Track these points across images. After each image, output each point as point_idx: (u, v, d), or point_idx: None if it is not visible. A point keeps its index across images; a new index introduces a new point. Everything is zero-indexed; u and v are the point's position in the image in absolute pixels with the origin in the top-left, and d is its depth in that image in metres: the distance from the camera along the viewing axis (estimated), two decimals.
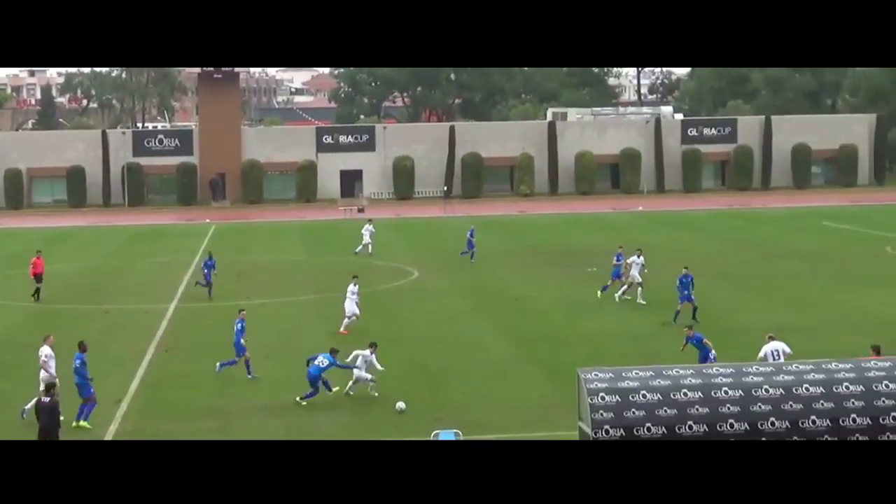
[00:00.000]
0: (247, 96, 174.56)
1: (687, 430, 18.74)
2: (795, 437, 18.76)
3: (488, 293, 48.01)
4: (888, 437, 18.94)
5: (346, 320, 39.25)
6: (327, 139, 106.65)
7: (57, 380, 26.83)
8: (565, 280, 50.99)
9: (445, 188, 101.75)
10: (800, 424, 18.93)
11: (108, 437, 26.90)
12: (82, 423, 27.56)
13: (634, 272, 44.20)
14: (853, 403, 19.14)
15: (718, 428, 18.79)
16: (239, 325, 33.01)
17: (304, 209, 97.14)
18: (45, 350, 28.63)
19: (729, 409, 18.99)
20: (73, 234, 79.45)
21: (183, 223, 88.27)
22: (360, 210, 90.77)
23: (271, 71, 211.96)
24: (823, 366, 20.05)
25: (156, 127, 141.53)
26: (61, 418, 24.20)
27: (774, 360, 26.69)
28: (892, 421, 19.08)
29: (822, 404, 19.11)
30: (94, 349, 31.16)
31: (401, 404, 28.64)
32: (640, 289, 43.89)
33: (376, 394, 29.98)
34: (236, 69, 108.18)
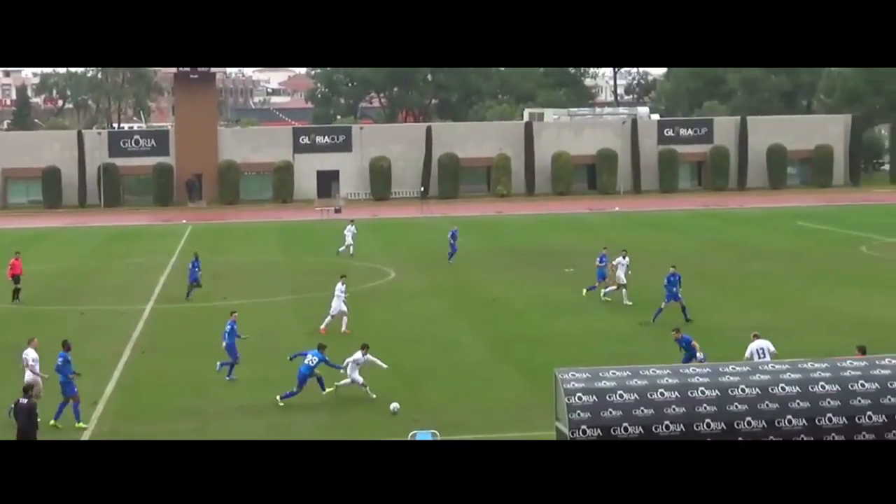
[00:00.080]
0: (223, 97, 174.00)
1: (664, 429, 18.80)
2: (772, 437, 18.84)
3: (465, 293, 48.05)
4: (864, 436, 19.03)
5: (328, 318, 39.19)
6: (304, 140, 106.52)
7: (41, 382, 26.72)
8: (542, 280, 51.07)
9: (422, 189, 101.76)
10: (776, 424, 19.01)
11: (84, 438, 26.78)
12: (80, 424, 27.45)
13: (620, 273, 44.27)
14: (829, 403, 19.23)
15: (695, 428, 18.85)
16: (230, 326, 32.94)
17: (281, 210, 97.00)
18: (31, 354, 28.42)
19: (706, 408, 19.05)
20: (48, 235, 79.10)
21: (159, 224, 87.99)
22: (337, 210, 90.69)
23: (248, 71, 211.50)
24: (799, 365, 20.15)
25: (132, 127, 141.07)
26: (38, 420, 24.11)
27: (760, 358, 26.70)
28: (867, 420, 19.18)
29: (798, 404, 19.20)
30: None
31: (395, 405, 28.60)
32: (624, 290, 43.95)
33: (374, 395, 29.87)
34: (212, 69, 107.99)
